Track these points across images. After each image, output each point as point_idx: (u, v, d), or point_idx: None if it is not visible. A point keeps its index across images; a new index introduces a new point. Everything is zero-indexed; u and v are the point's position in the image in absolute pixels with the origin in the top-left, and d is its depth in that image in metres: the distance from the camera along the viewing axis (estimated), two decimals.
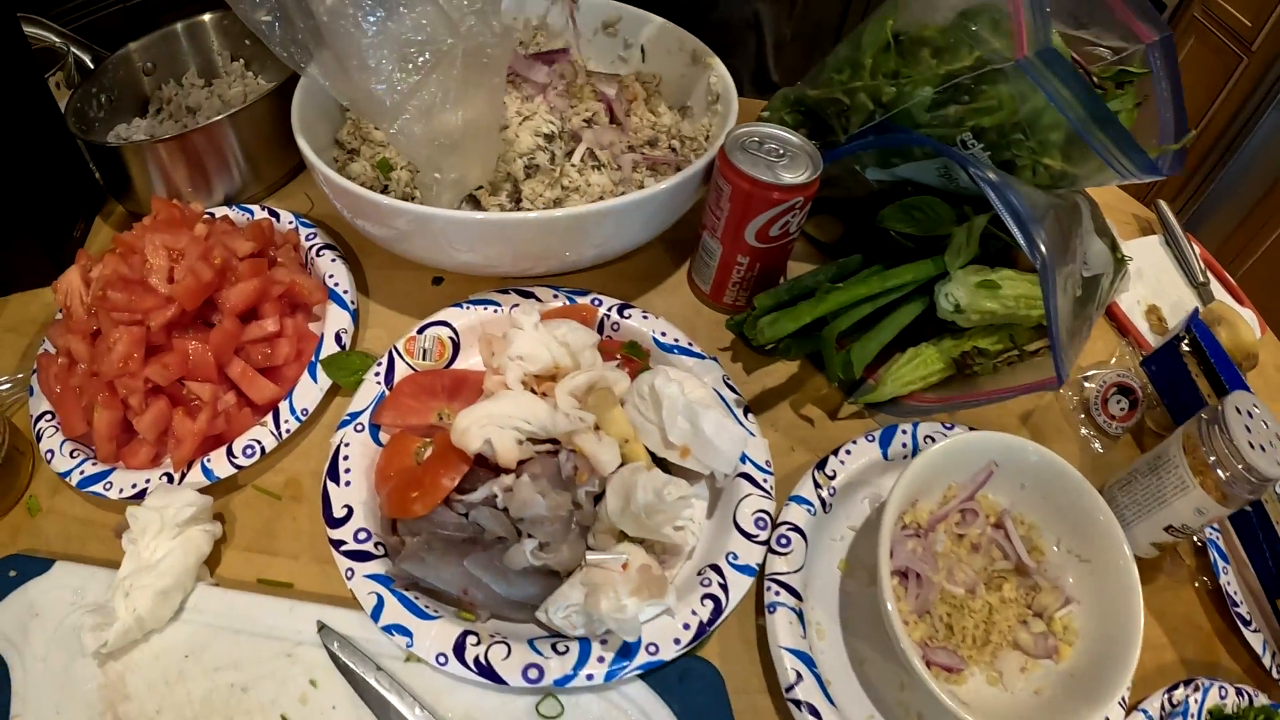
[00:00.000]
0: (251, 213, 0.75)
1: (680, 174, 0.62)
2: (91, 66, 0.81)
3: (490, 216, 0.59)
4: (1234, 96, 1.89)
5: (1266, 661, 0.61)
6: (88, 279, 0.64)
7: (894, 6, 0.67)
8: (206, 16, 0.85)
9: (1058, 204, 0.65)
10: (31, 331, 0.74)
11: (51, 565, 0.57)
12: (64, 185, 0.78)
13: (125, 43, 0.83)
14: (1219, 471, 0.56)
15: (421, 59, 0.58)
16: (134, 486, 0.59)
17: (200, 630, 0.54)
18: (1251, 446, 0.55)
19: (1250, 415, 0.57)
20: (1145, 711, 0.56)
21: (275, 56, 0.62)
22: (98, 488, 0.59)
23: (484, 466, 0.54)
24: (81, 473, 0.60)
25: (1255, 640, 0.61)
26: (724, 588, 0.54)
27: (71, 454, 0.61)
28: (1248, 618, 0.62)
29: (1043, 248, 0.57)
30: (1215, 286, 0.90)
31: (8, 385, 0.70)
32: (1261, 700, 0.59)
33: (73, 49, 0.81)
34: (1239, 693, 0.58)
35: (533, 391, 0.56)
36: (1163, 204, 0.97)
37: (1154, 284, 0.89)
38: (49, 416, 0.64)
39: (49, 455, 0.62)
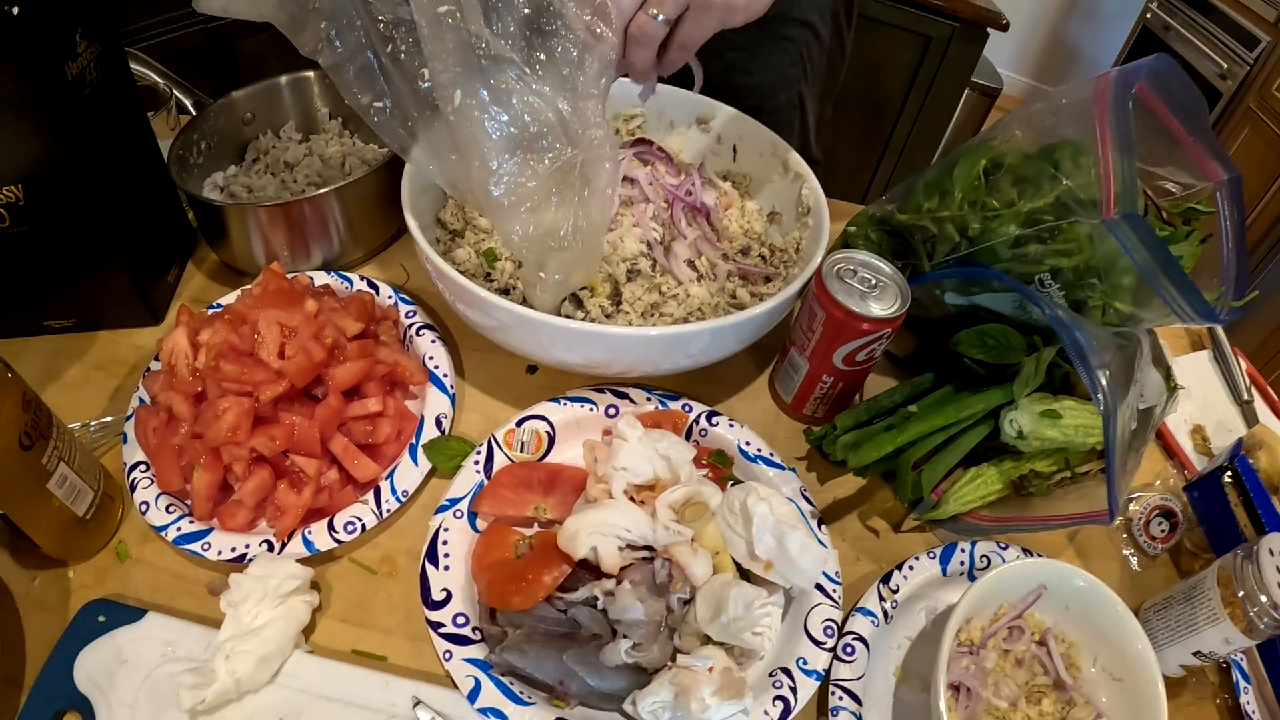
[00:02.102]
0: (350, 282, 0.76)
1: (780, 295, 0.65)
2: (192, 111, 0.82)
3: (593, 327, 0.61)
4: None
5: None
6: (195, 342, 0.66)
7: (986, 146, 0.70)
8: (311, 73, 0.87)
9: (1122, 343, 0.68)
10: (121, 373, 0.74)
11: (143, 615, 0.59)
12: (161, 227, 0.79)
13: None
14: (1248, 606, 0.60)
15: (541, 165, 0.60)
16: (233, 550, 0.60)
17: (295, 695, 0.56)
18: None
19: None
20: None
21: None
22: (195, 547, 0.61)
23: (584, 567, 0.58)
24: (178, 529, 0.61)
25: None
26: (793, 690, 0.58)
27: (168, 509, 0.62)
28: None
29: (1105, 389, 0.60)
30: (1259, 404, 0.91)
31: (97, 429, 0.71)
32: None
33: (175, 92, 0.82)
34: None
35: (633, 499, 0.59)
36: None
37: (1201, 402, 0.90)
38: (143, 467, 0.65)
39: (144, 507, 0.62)
